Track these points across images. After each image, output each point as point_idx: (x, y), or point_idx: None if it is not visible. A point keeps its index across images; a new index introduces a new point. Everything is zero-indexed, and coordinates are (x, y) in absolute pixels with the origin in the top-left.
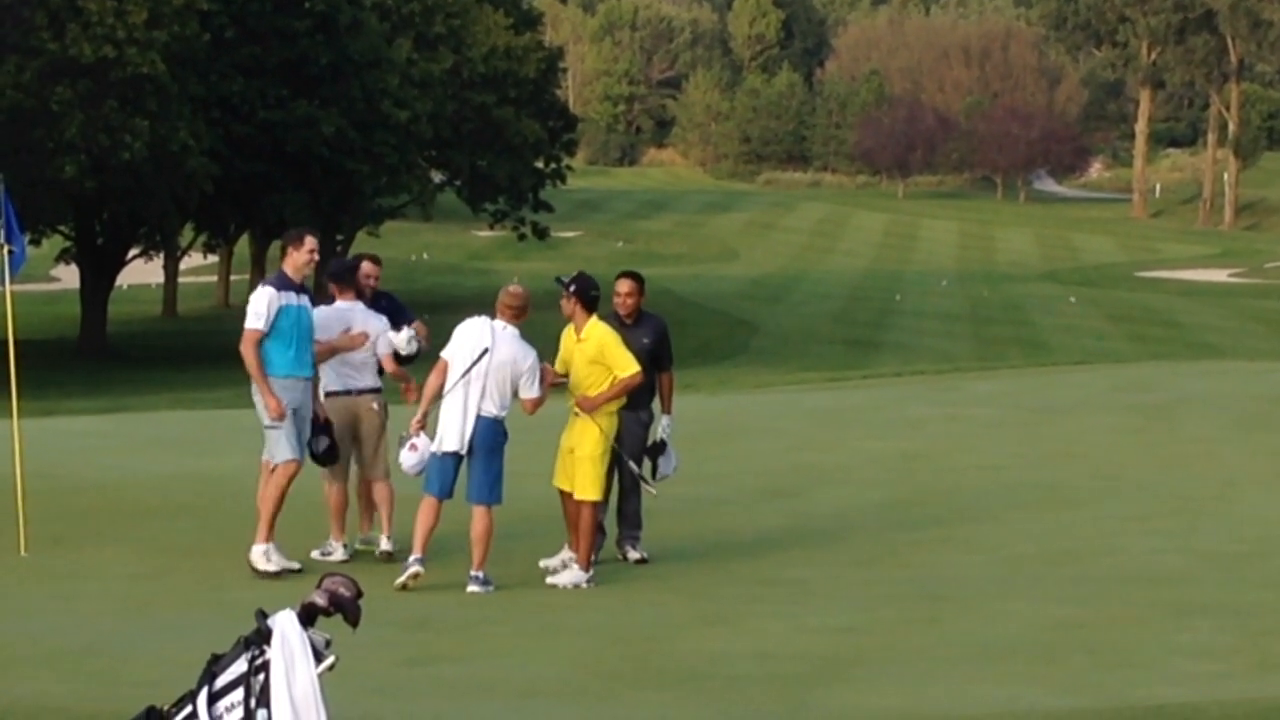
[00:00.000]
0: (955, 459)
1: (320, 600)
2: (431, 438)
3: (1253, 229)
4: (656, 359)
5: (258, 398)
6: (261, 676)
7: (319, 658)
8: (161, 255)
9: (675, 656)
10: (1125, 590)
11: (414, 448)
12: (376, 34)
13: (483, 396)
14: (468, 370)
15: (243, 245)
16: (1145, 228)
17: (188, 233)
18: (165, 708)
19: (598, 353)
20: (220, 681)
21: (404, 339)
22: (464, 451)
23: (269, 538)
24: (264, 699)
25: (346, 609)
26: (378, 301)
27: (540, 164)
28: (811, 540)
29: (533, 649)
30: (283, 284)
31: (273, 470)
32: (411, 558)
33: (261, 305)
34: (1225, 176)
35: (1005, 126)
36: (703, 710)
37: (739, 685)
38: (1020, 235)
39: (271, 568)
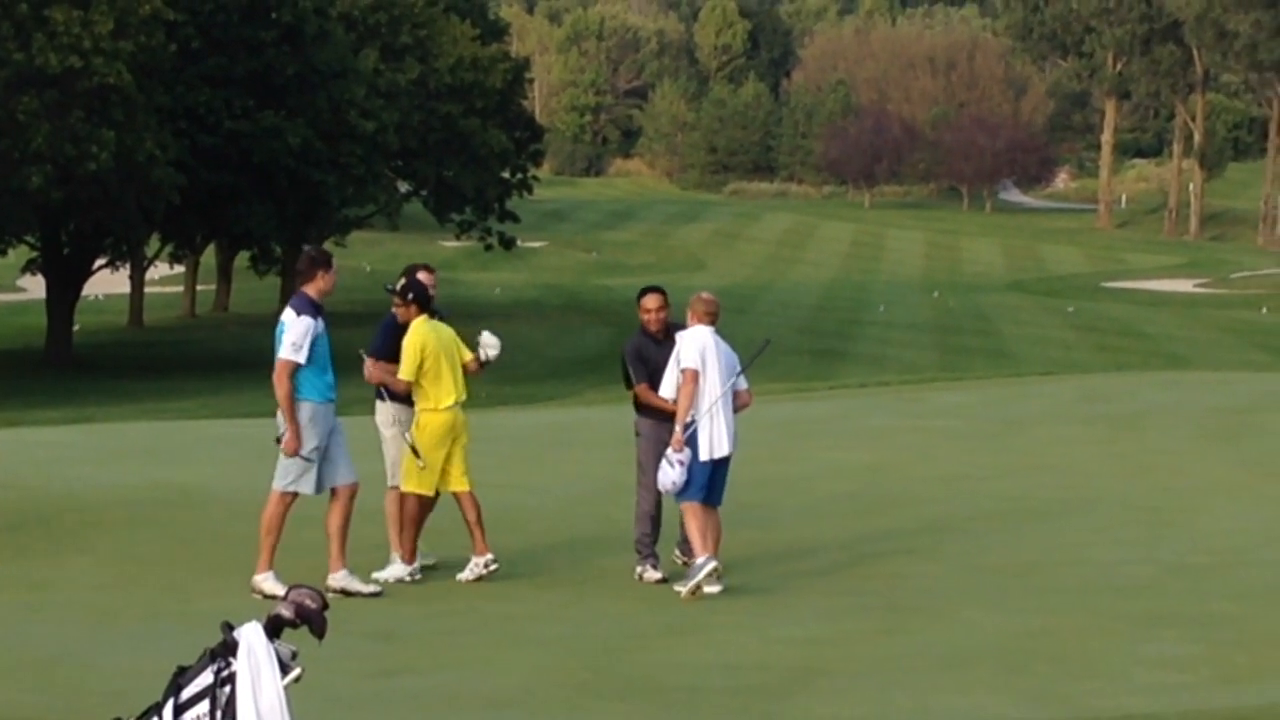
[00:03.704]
0: (921, 470)
1: (286, 612)
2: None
3: (1218, 239)
4: None
5: (283, 428)
6: (228, 689)
7: (285, 670)
8: (128, 265)
9: (640, 667)
10: (1090, 601)
11: (683, 464)
12: (343, 44)
13: (727, 400)
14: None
15: (209, 256)
16: (1111, 238)
17: (154, 243)
18: (131, 719)
19: (404, 345)
20: (186, 693)
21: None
22: (732, 451)
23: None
24: (230, 711)
25: (313, 621)
26: (436, 315)
27: (506, 174)
28: (776, 551)
29: (498, 660)
30: (315, 310)
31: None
32: (711, 562)
33: (302, 337)
34: (1191, 187)
35: (971, 137)
36: None
37: (704, 696)
38: (986, 245)
39: (279, 590)
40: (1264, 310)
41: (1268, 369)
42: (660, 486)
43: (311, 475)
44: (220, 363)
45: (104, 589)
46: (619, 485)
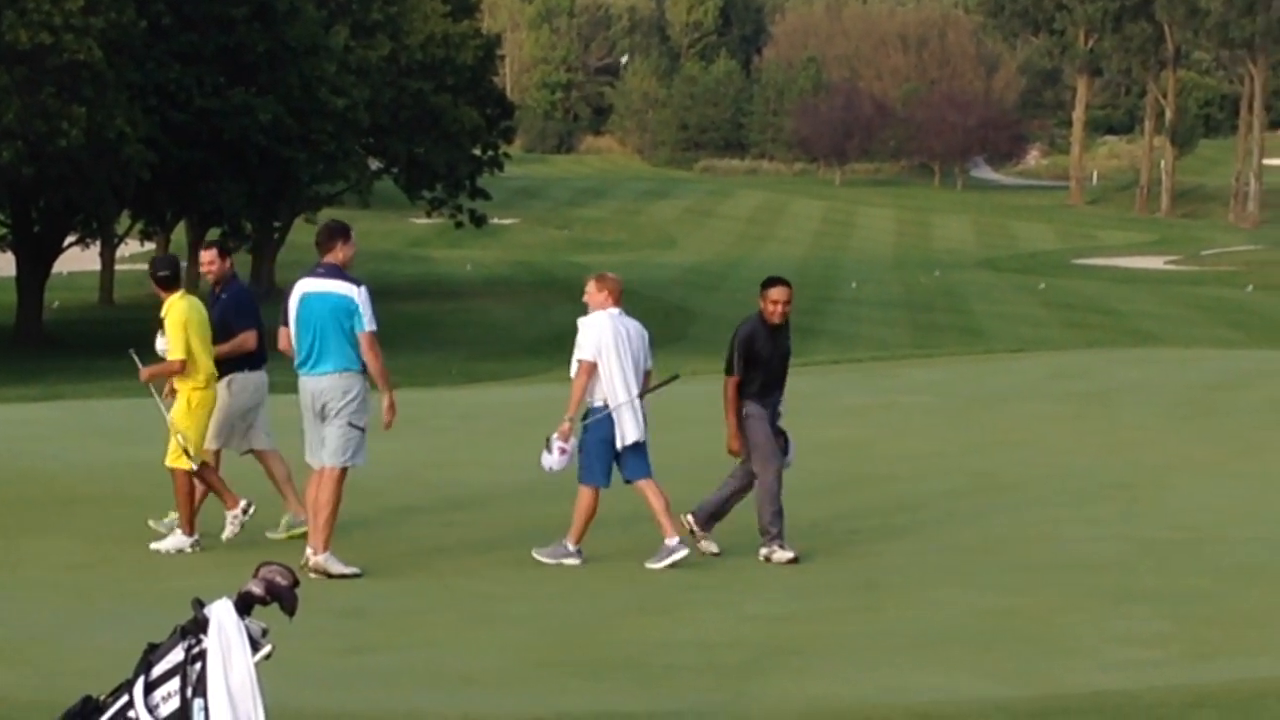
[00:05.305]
0: (893, 447)
1: (257, 589)
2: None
3: (1189, 216)
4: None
5: (345, 400)
6: (198, 665)
7: (255, 647)
8: (98, 243)
9: (614, 645)
10: (1062, 578)
11: (564, 451)
12: (314, 21)
13: (637, 385)
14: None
15: (179, 233)
16: (1082, 215)
17: (124, 220)
18: (101, 697)
19: (167, 327)
20: (157, 671)
21: None
22: (644, 438)
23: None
24: (200, 688)
25: (283, 598)
26: (219, 294)
27: (478, 151)
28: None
29: (470, 638)
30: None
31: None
32: (576, 547)
33: (371, 306)
34: (1162, 164)
35: (943, 114)
36: (641, 699)
37: (677, 674)
38: (958, 222)
39: (348, 570)
40: (1250, 288)
41: (1239, 345)
42: (541, 467)
43: (365, 446)
44: None
45: (75, 568)
46: None
